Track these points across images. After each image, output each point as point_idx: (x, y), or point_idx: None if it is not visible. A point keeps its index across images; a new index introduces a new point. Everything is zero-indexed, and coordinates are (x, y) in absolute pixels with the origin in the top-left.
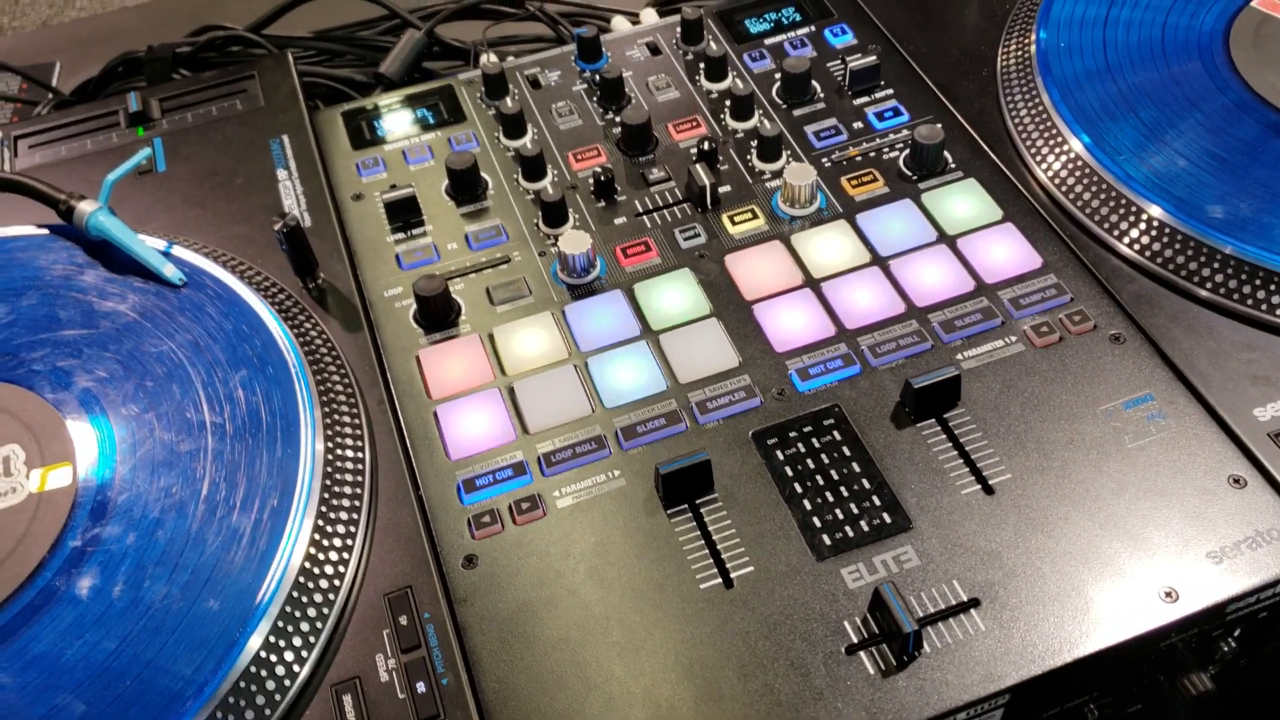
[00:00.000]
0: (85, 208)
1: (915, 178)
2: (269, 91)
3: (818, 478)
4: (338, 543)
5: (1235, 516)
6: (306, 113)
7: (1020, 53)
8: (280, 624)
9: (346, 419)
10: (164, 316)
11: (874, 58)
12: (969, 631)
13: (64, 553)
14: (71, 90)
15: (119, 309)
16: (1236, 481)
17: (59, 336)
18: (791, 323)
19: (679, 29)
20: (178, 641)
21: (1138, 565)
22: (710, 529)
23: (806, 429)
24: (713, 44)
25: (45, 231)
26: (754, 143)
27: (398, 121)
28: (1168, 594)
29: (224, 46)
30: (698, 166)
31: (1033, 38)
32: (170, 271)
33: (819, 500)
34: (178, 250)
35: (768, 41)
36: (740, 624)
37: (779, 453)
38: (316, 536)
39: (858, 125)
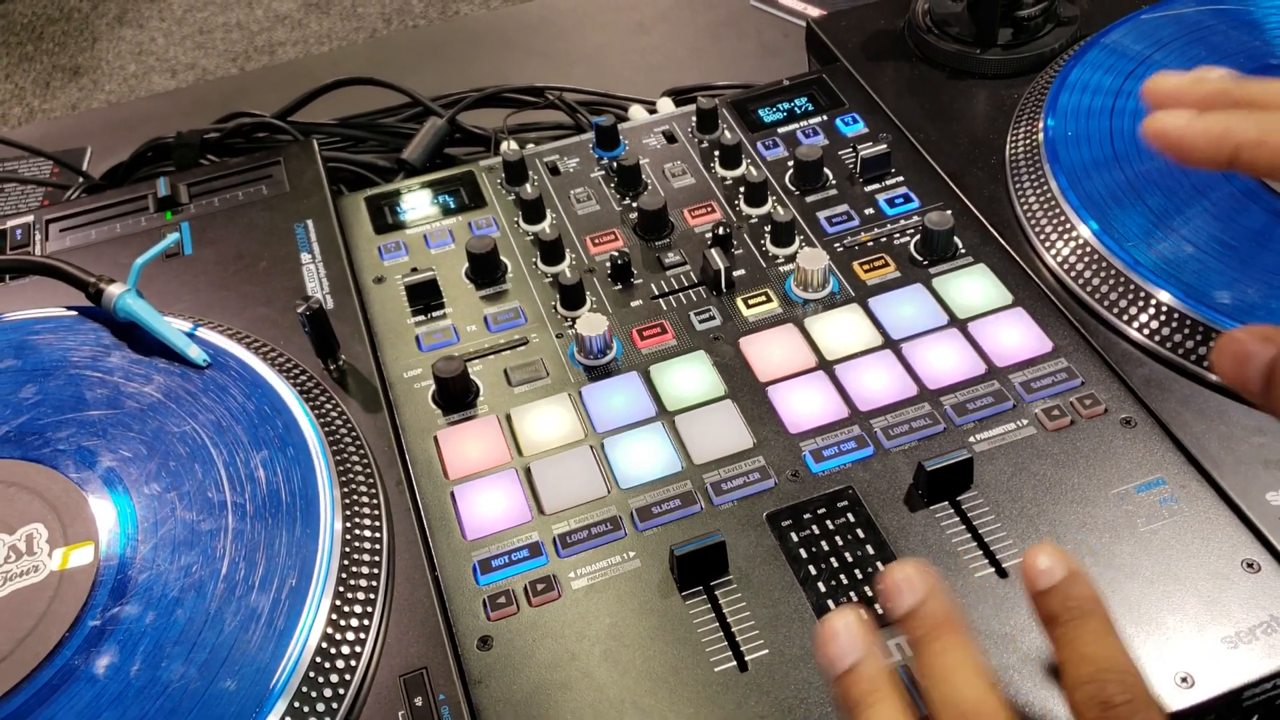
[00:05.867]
0: (114, 291)
1: (926, 263)
2: (294, 177)
3: (832, 560)
4: (355, 623)
5: (1250, 601)
6: (330, 197)
7: (1028, 141)
8: (296, 704)
9: (365, 499)
10: (188, 397)
11: (884, 146)
12: None
13: (83, 631)
14: (101, 175)
15: (144, 390)
16: (1250, 566)
17: (84, 416)
18: (805, 404)
19: (694, 118)
20: None
21: (1152, 650)
22: (725, 611)
23: (820, 511)
24: (727, 133)
25: (74, 313)
26: (767, 228)
27: (420, 206)
28: (1183, 680)
29: (251, 133)
30: (713, 251)
31: (1040, 126)
32: (195, 353)
33: (833, 583)
34: (202, 332)
35: (781, 130)
36: (755, 708)
37: (793, 534)
38: (334, 616)
39: (869, 211)
